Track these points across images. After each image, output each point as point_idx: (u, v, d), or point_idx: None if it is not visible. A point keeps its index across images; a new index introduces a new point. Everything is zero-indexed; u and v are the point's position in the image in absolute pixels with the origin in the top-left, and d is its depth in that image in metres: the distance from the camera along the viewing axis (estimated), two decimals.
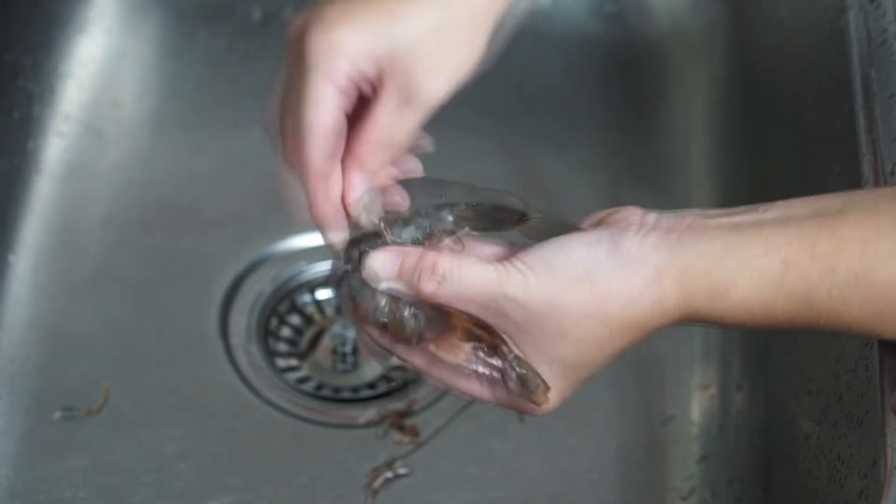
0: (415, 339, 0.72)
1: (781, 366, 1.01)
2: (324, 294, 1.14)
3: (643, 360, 1.08)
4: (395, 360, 0.74)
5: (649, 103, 1.24)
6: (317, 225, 0.74)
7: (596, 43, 1.26)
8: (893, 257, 0.68)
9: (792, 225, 0.70)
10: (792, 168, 1.06)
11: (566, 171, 1.19)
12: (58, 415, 1.05)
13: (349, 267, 0.73)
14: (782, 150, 1.09)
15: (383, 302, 0.72)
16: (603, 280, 0.70)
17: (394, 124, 0.72)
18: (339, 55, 0.70)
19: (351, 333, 1.11)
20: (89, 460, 1.03)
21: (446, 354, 0.72)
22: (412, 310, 0.71)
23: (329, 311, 1.13)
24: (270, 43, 1.25)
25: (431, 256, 0.71)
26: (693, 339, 1.10)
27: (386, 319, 0.72)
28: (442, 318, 0.71)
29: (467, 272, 0.71)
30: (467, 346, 0.72)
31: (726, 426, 1.05)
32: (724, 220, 0.71)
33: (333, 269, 0.74)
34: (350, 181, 0.73)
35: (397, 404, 1.07)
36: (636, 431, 1.06)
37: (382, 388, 1.09)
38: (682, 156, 1.20)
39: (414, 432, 1.05)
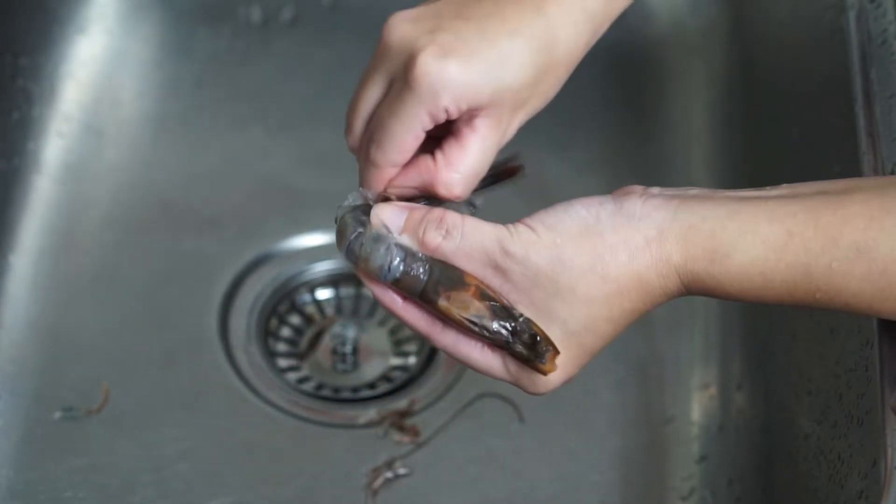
0: (430, 293, 0.72)
1: (781, 365, 1.01)
2: (324, 294, 1.14)
3: (643, 360, 1.08)
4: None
5: (649, 103, 1.24)
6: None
7: (596, 43, 1.25)
8: None
9: (797, 199, 0.70)
10: (792, 168, 1.06)
11: (566, 171, 1.19)
12: (58, 415, 1.05)
13: (361, 230, 0.73)
14: (782, 150, 1.09)
15: (397, 260, 0.72)
16: (605, 236, 0.70)
17: (485, 158, 0.74)
18: (446, 92, 0.71)
19: (351, 333, 1.11)
20: (89, 460, 1.03)
21: (458, 308, 0.72)
22: (426, 266, 0.72)
23: (329, 311, 1.13)
24: (270, 43, 1.25)
25: (438, 211, 0.72)
26: (693, 338, 1.10)
27: (398, 275, 0.72)
28: (455, 277, 0.72)
29: (471, 227, 0.71)
30: (478, 303, 0.72)
31: (726, 426, 1.05)
32: (730, 193, 0.72)
33: (348, 231, 0.73)
34: (406, 181, 0.74)
35: (397, 404, 1.07)
36: (636, 431, 1.06)
37: (382, 388, 1.09)
38: (682, 156, 1.20)
39: (414, 432, 1.05)
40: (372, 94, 0.74)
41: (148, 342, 1.09)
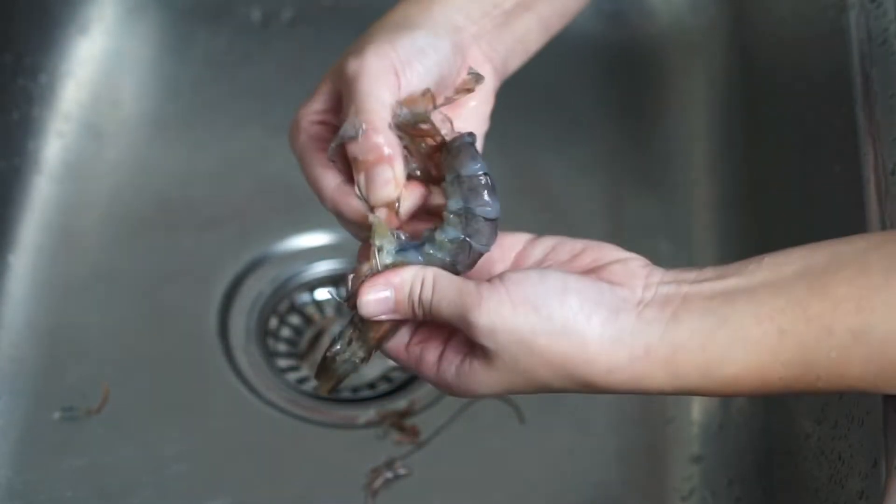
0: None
1: None
2: (324, 294, 1.14)
3: None
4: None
5: (649, 103, 1.23)
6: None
7: (596, 43, 1.26)
8: (890, 311, 0.66)
9: (782, 289, 0.68)
10: (792, 168, 1.06)
11: (566, 171, 1.19)
12: (58, 415, 1.05)
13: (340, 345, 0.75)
14: (782, 150, 1.09)
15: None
16: (588, 346, 0.68)
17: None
18: (385, 60, 0.73)
19: None
20: (89, 460, 1.03)
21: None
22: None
23: (329, 311, 1.13)
24: (270, 43, 1.25)
25: (417, 283, 0.71)
26: None
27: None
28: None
29: (440, 291, 0.70)
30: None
31: (726, 426, 1.05)
32: (718, 285, 0.69)
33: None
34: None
35: (397, 404, 1.07)
36: (636, 432, 1.06)
37: (382, 388, 1.09)
38: (682, 156, 1.20)
39: (414, 432, 1.05)
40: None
41: (148, 342, 1.09)
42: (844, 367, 0.67)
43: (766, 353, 0.67)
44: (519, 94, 1.22)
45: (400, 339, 0.74)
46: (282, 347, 1.12)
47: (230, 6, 1.26)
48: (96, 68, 1.23)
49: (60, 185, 1.17)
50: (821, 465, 0.88)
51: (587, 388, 0.69)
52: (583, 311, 0.68)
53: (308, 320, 1.13)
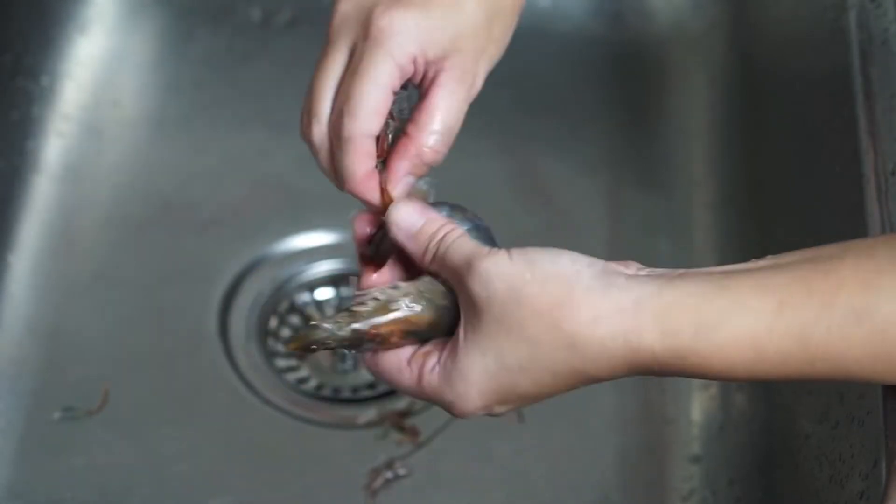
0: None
1: None
2: (324, 294, 1.14)
3: None
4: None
5: (649, 103, 1.24)
6: (354, 194, 0.74)
7: (596, 43, 1.26)
8: (893, 290, 0.65)
9: (785, 269, 0.67)
10: (792, 168, 1.06)
11: (566, 171, 1.19)
12: (58, 415, 1.05)
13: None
14: (782, 150, 1.09)
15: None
16: (575, 292, 0.67)
17: (457, 110, 0.74)
18: (410, 41, 0.71)
19: None
20: (89, 460, 1.03)
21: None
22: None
23: (329, 311, 1.13)
24: (270, 43, 1.25)
25: (444, 230, 0.72)
26: None
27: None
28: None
29: (456, 245, 0.71)
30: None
31: (726, 426, 1.05)
32: (717, 269, 0.69)
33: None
34: (398, 169, 0.73)
35: (397, 404, 1.07)
36: (636, 432, 1.06)
37: (382, 388, 1.09)
38: (682, 156, 1.20)
39: (414, 433, 1.05)
40: (335, 73, 0.73)
41: (148, 342, 1.09)
42: (843, 347, 0.66)
43: (764, 322, 0.66)
44: (519, 94, 1.23)
45: (402, 353, 0.73)
46: (282, 347, 1.12)
47: (230, 6, 1.26)
48: (96, 68, 1.23)
49: (60, 185, 1.17)
50: (821, 466, 0.88)
51: (575, 349, 0.68)
52: (574, 266, 0.68)
53: (308, 320, 1.13)
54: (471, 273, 0.69)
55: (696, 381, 1.08)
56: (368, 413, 1.07)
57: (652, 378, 1.07)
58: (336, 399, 1.08)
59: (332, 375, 1.10)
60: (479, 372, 0.69)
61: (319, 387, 1.09)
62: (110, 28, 1.24)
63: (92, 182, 1.18)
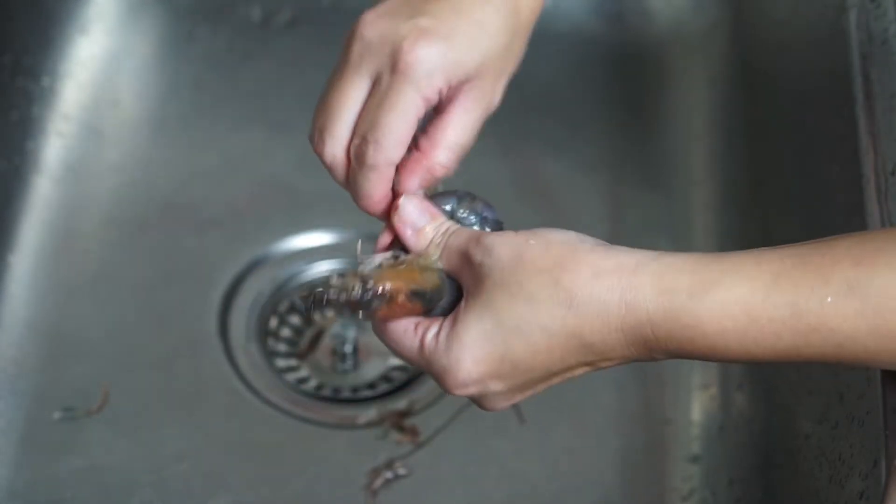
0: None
1: (782, 365, 1.01)
2: None
3: None
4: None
5: (650, 103, 1.24)
6: (369, 213, 0.76)
7: (596, 43, 1.26)
8: (889, 269, 0.66)
9: (783, 249, 0.69)
10: (792, 168, 1.06)
11: (566, 171, 1.19)
12: (58, 415, 1.05)
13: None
14: (782, 150, 1.09)
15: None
16: (577, 253, 0.69)
17: (471, 127, 0.75)
18: (438, 72, 0.72)
19: (351, 333, 1.11)
20: (89, 460, 1.03)
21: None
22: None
23: (329, 310, 1.13)
24: (270, 43, 1.25)
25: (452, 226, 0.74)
26: None
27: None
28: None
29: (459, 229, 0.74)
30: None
31: (726, 426, 1.05)
32: (715, 254, 0.70)
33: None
34: (409, 187, 0.74)
35: (397, 404, 1.07)
36: (636, 432, 1.06)
37: (382, 388, 1.09)
38: (682, 156, 1.20)
39: (414, 432, 1.05)
40: (356, 96, 0.74)
41: (148, 342, 1.09)
42: (837, 320, 0.67)
43: (759, 289, 0.67)
44: (519, 94, 1.22)
45: (410, 320, 0.74)
46: (282, 347, 1.12)
47: (230, 6, 1.26)
48: (96, 68, 1.23)
49: (60, 186, 1.17)
50: (821, 466, 0.88)
51: (571, 307, 0.69)
52: (578, 236, 0.71)
53: (308, 320, 1.13)
54: (476, 245, 0.71)
55: (696, 381, 1.08)
56: (368, 413, 1.07)
57: (652, 377, 1.08)
58: (336, 399, 1.08)
59: (332, 375, 1.10)
60: (475, 335, 0.70)
61: (319, 387, 1.09)
62: (110, 28, 1.24)
63: (92, 182, 1.18)
